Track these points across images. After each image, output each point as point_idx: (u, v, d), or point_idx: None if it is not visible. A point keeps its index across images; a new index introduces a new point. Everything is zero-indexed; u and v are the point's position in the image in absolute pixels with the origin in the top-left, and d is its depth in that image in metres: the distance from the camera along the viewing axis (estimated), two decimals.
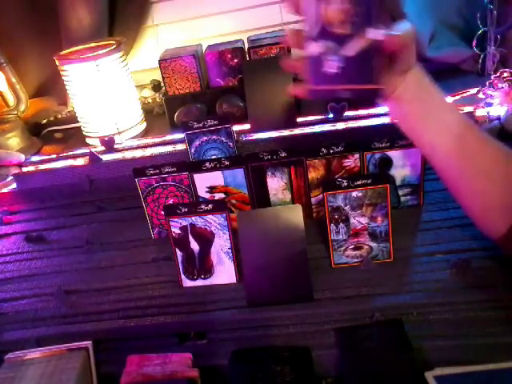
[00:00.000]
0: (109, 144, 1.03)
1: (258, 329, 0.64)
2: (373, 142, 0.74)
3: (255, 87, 0.95)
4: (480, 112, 0.90)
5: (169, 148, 0.99)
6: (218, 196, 0.80)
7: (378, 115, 0.91)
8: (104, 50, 1.00)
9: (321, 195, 0.78)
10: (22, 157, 1.08)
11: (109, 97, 1.03)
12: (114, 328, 0.66)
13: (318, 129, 0.93)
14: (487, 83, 0.96)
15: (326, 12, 0.50)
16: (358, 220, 0.67)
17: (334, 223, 0.67)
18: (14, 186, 1.03)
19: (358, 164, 0.76)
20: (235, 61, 1.03)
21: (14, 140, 1.13)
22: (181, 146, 0.97)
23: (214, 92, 1.06)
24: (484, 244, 0.66)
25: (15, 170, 1.05)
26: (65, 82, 1.05)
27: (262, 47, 1.01)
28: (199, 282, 0.71)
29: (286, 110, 0.94)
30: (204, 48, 1.07)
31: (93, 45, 1.07)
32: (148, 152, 1.00)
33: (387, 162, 0.76)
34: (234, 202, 0.80)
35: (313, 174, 0.77)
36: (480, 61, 1.04)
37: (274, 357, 0.60)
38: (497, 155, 0.58)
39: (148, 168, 0.78)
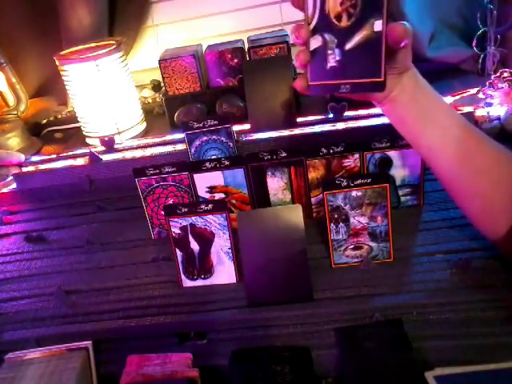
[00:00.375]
0: (109, 144, 1.03)
1: (258, 329, 0.64)
2: (373, 142, 0.74)
3: (255, 87, 0.95)
4: (480, 112, 0.90)
5: (169, 148, 0.99)
6: (218, 196, 0.80)
7: (378, 115, 0.91)
8: (104, 50, 1.00)
9: (321, 195, 0.78)
10: (22, 157, 1.08)
11: (109, 97, 1.03)
12: (114, 328, 0.66)
13: (318, 129, 0.93)
14: (487, 83, 0.96)
15: (326, 4, 0.50)
16: (358, 220, 0.67)
17: (334, 223, 0.67)
18: (14, 186, 1.03)
19: (358, 164, 0.76)
20: (235, 61, 1.03)
21: (14, 140, 1.13)
22: (181, 146, 0.97)
23: (214, 92, 1.06)
24: (484, 244, 0.66)
25: (15, 170, 1.05)
26: (65, 82, 1.05)
27: (262, 47, 1.01)
28: (199, 282, 0.71)
29: (286, 110, 0.94)
30: (204, 48, 1.07)
31: (93, 45, 1.08)
32: (148, 152, 1.00)
33: (387, 162, 0.76)
34: (234, 201, 0.80)
35: (313, 174, 0.77)
36: (480, 61, 1.04)
37: (273, 357, 0.60)
38: (496, 157, 0.58)
39: (148, 168, 0.78)
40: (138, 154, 1.01)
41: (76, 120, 1.12)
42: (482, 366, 0.49)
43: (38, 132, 1.24)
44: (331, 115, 0.96)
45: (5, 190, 1.03)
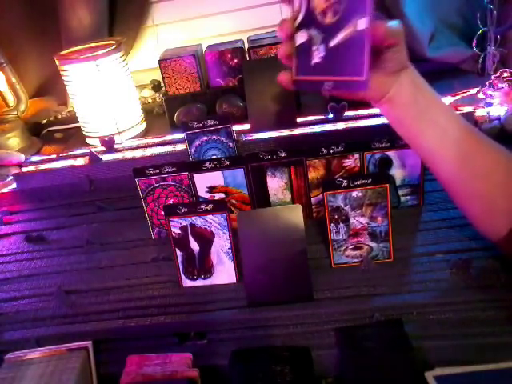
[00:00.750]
0: (109, 144, 1.03)
1: (258, 329, 0.64)
2: (373, 142, 0.74)
3: (255, 87, 0.95)
4: (480, 112, 0.90)
5: (169, 148, 0.99)
6: (218, 196, 0.80)
7: (378, 115, 0.91)
8: (104, 50, 1.00)
9: (321, 195, 0.78)
10: (22, 157, 1.08)
11: (109, 97, 1.03)
12: (114, 328, 0.66)
13: (318, 129, 0.93)
14: (487, 83, 0.96)
15: (311, 0, 0.50)
16: (358, 220, 0.67)
17: (334, 223, 0.67)
18: (14, 186, 1.03)
19: (358, 164, 0.76)
20: (235, 61, 1.03)
21: (14, 140, 1.13)
22: (181, 146, 0.97)
23: (214, 92, 1.06)
24: (484, 244, 0.66)
25: (15, 170, 1.05)
26: (65, 82, 1.05)
27: (262, 47, 1.01)
28: (199, 282, 0.71)
29: (286, 110, 0.94)
30: (204, 48, 1.07)
31: (93, 45, 1.08)
32: (148, 152, 1.01)
33: (387, 162, 0.76)
34: (234, 201, 0.80)
35: (313, 174, 0.77)
36: (480, 61, 1.04)
37: (273, 357, 0.60)
38: (496, 158, 0.57)
39: (148, 168, 0.78)
40: (138, 153, 1.01)
41: (76, 120, 1.12)
42: (481, 365, 0.49)
43: (38, 132, 1.24)
44: (331, 115, 0.96)
45: (5, 190, 1.03)
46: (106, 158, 1.01)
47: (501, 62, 1.04)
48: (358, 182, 0.65)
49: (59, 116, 1.29)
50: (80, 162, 1.02)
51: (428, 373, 0.49)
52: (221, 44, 1.07)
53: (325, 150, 0.75)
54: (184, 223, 0.69)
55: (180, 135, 1.01)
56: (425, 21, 1.02)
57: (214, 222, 0.68)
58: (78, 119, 1.10)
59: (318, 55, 0.51)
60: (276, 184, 0.79)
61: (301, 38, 0.52)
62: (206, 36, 1.25)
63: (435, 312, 0.61)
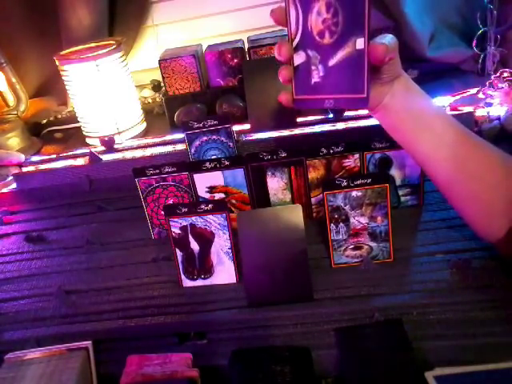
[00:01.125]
0: (109, 144, 1.03)
1: (258, 329, 0.64)
2: (373, 142, 0.74)
3: (255, 87, 0.95)
4: (480, 112, 0.90)
5: (169, 148, 0.99)
6: (218, 196, 0.80)
7: None
8: (104, 50, 1.00)
9: (321, 195, 0.78)
10: (22, 157, 1.08)
11: (109, 97, 1.03)
12: (114, 328, 0.66)
13: (318, 129, 0.93)
14: (487, 83, 0.96)
15: (308, 22, 0.50)
16: (358, 220, 0.67)
17: (334, 223, 0.67)
18: (14, 186, 1.03)
19: (358, 164, 0.76)
20: (235, 61, 1.03)
21: (14, 140, 1.13)
22: (181, 146, 0.97)
23: (214, 92, 1.06)
24: (484, 244, 0.66)
25: (15, 170, 1.05)
26: (65, 82, 1.05)
27: (262, 47, 1.01)
28: (199, 282, 0.71)
29: (286, 110, 0.94)
30: (204, 48, 1.07)
31: (93, 45, 1.08)
32: (148, 152, 1.01)
33: (387, 162, 0.76)
34: (234, 201, 0.80)
35: (313, 174, 0.77)
36: (480, 61, 1.04)
37: (273, 357, 0.60)
38: (493, 161, 0.57)
39: (148, 168, 0.78)
40: (138, 153, 1.01)
41: (76, 120, 1.12)
42: (481, 365, 0.49)
43: (38, 132, 1.24)
44: (331, 115, 0.96)
45: (5, 190, 1.03)
46: (105, 157, 1.01)
47: (501, 62, 1.04)
48: (358, 182, 0.65)
49: (59, 116, 1.29)
50: (80, 162, 1.02)
51: (428, 373, 0.49)
52: (221, 44, 1.07)
53: (325, 150, 0.75)
54: (184, 223, 0.69)
55: (180, 135, 1.01)
56: (425, 21, 1.02)
57: (214, 222, 0.68)
58: (78, 119, 1.10)
59: (317, 74, 0.52)
60: (276, 184, 0.79)
61: (299, 58, 0.52)
62: (206, 36, 1.25)
63: (435, 312, 0.61)
